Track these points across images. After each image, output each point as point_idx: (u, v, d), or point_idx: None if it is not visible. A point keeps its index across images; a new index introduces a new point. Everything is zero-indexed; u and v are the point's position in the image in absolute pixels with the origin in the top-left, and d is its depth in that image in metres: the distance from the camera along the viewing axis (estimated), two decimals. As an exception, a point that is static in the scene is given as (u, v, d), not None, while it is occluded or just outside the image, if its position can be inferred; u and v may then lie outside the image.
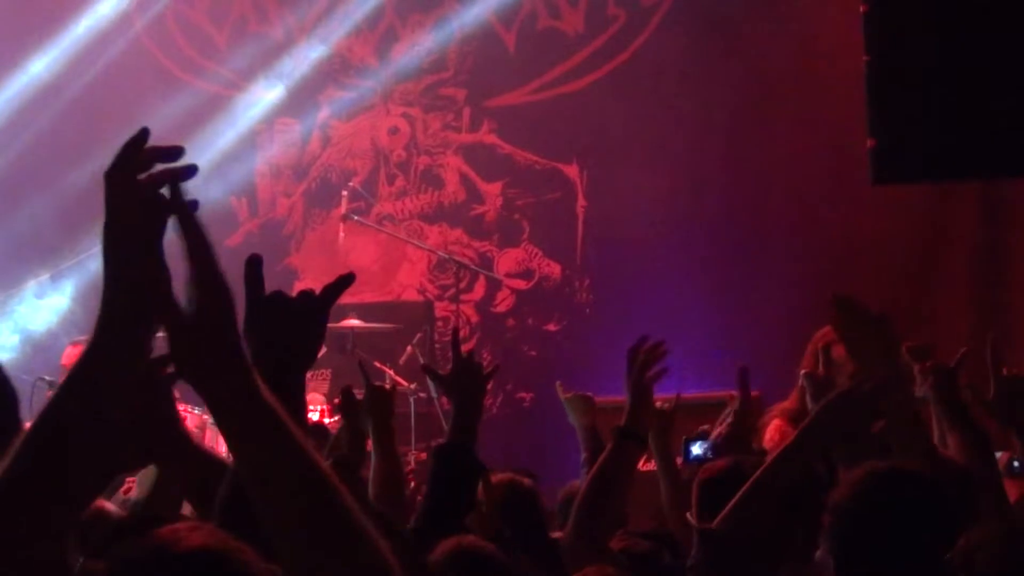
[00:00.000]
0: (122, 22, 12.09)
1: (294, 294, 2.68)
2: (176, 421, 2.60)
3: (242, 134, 12.16)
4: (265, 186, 12.31)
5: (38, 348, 11.00)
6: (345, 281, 2.69)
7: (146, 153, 1.94)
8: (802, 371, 4.18)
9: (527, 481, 5.08)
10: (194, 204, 1.94)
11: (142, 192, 1.93)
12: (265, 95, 12.28)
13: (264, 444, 1.88)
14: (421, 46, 12.25)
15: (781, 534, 3.71)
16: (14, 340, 11.10)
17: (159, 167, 1.95)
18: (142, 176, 1.94)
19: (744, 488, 3.65)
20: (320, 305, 2.65)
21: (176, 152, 1.96)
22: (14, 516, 1.87)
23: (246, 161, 12.24)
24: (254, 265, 2.54)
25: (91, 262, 10.67)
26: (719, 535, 3.68)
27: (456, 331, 4.84)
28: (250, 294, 2.57)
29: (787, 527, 3.72)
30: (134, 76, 11.99)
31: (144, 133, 1.96)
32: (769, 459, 3.80)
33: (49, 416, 1.93)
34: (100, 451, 1.97)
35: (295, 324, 2.61)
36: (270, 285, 2.58)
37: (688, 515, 4.06)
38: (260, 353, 2.52)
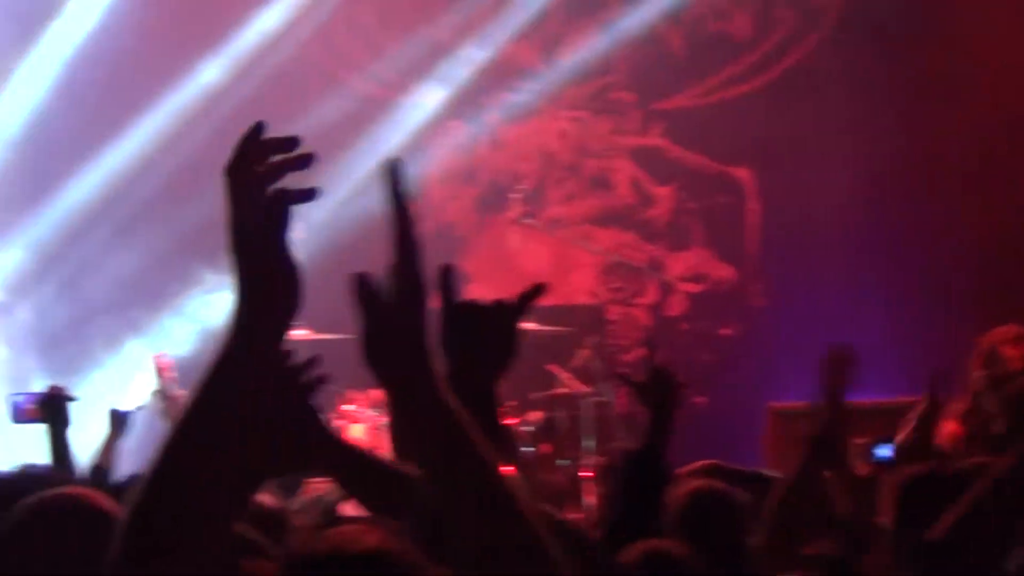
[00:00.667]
0: (290, 27, 12.13)
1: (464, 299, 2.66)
2: (324, 426, 2.56)
3: (409, 137, 12.13)
4: (434, 190, 12.34)
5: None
6: (538, 290, 2.71)
7: (263, 146, 1.93)
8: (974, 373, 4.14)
9: (720, 485, 5.00)
10: (313, 193, 1.93)
11: (263, 185, 1.91)
12: (432, 98, 12.27)
13: (442, 445, 1.90)
14: (588, 49, 12.20)
15: (1009, 534, 3.62)
16: (191, 334, 11.25)
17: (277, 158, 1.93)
18: (261, 168, 1.92)
19: (973, 495, 3.56)
20: (514, 313, 2.66)
21: (292, 143, 1.94)
22: (166, 515, 1.87)
23: (414, 165, 12.24)
24: (448, 272, 2.53)
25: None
26: (944, 544, 3.59)
27: (651, 339, 4.87)
28: (444, 301, 2.59)
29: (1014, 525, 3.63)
30: (301, 80, 12.05)
31: (259, 127, 1.94)
32: (997, 466, 3.69)
33: (188, 418, 1.92)
34: (242, 453, 1.94)
35: (490, 332, 2.63)
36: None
37: (879, 520, 4.02)
38: (455, 359, 2.58)
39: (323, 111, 11.65)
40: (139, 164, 11.87)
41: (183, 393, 7.56)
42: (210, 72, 11.95)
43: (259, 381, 1.93)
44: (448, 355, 2.60)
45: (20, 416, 5.73)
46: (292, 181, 1.93)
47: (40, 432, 5.58)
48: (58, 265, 11.82)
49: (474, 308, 2.62)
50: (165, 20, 11.78)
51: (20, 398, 5.78)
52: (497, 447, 2.58)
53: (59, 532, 2.67)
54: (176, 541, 1.84)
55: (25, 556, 2.68)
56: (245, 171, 1.90)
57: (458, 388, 2.39)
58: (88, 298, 11.65)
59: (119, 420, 6.41)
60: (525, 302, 2.66)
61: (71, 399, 5.38)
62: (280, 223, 1.91)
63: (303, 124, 11.27)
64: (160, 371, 7.81)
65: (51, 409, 5.31)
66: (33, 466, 4.16)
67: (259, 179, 1.91)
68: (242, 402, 1.91)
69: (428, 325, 1.97)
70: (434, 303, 2.48)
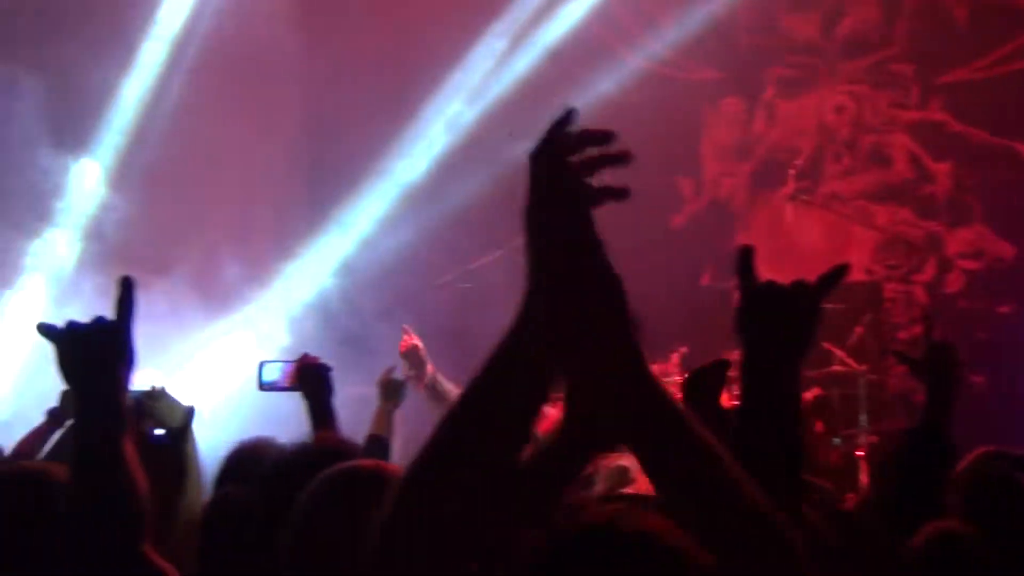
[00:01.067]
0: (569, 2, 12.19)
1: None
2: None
3: (686, 114, 12.15)
4: (710, 166, 12.37)
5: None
6: (840, 271, 2.61)
7: (578, 137, 1.85)
8: None
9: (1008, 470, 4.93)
10: (624, 192, 1.85)
11: (570, 175, 1.84)
12: (708, 75, 12.29)
13: (660, 428, 1.87)
14: (868, 22, 12.04)
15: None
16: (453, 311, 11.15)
17: (590, 151, 1.86)
18: (573, 159, 1.85)
19: None
20: (815, 295, 2.57)
21: (608, 137, 1.86)
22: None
23: (691, 141, 12.29)
24: (747, 254, 2.53)
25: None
26: None
27: (929, 314, 4.78)
28: (744, 284, 2.54)
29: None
30: (581, 57, 12.05)
31: (570, 114, 1.85)
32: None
33: (472, 394, 1.91)
34: (521, 431, 1.93)
35: (791, 314, 2.54)
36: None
37: None
38: (757, 343, 2.54)
39: (601, 88, 11.74)
40: (416, 143, 12.10)
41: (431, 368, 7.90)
42: (493, 47, 12.08)
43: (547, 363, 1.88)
44: (746, 339, 2.55)
45: (272, 384, 5.70)
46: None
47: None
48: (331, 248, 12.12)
49: (774, 290, 2.54)
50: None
51: (273, 367, 5.74)
52: (801, 434, 2.58)
53: (364, 503, 2.55)
54: (455, 509, 1.85)
55: (331, 528, 2.67)
56: (552, 159, 1.84)
57: (756, 373, 2.54)
58: (361, 274, 11.89)
59: (394, 389, 6.62)
60: (827, 284, 2.55)
61: (327, 367, 5.31)
62: (581, 212, 1.85)
63: (581, 101, 11.51)
64: (409, 349, 8.10)
65: (310, 378, 5.26)
66: (324, 437, 4.22)
67: (570, 170, 1.85)
68: (525, 382, 1.88)
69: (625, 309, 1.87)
70: (735, 285, 2.57)
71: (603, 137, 1.85)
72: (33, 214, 11.24)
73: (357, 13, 12.01)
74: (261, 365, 5.75)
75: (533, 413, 1.91)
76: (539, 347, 1.87)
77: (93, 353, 2.80)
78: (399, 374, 6.81)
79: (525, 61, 12.05)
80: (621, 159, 1.85)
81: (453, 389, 8.41)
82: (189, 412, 3.70)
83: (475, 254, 10.97)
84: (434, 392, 7.72)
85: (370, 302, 11.23)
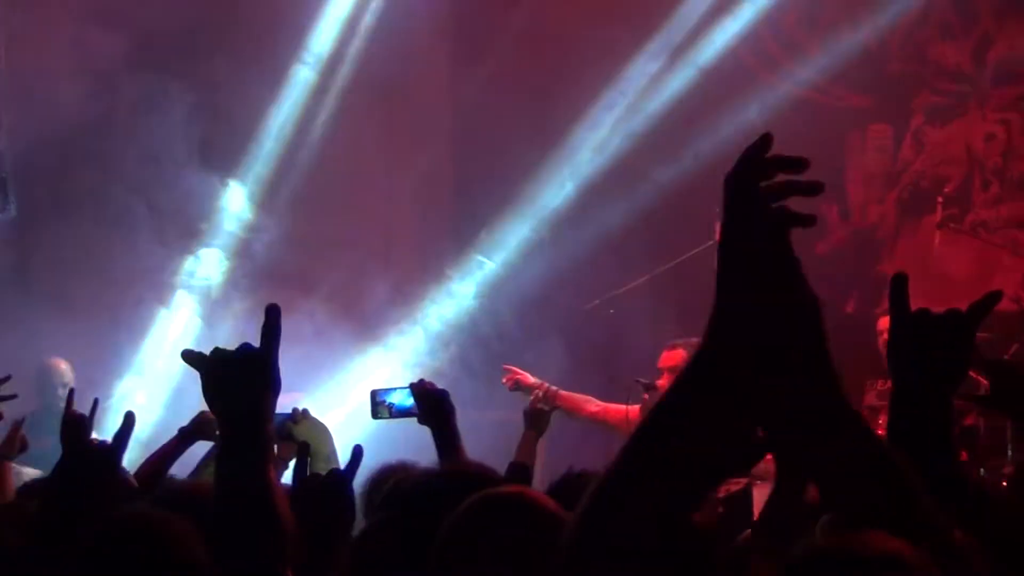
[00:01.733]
0: (713, 27, 12.11)
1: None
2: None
3: (832, 140, 12.02)
4: (856, 192, 12.24)
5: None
6: (993, 299, 2.63)
7: (770, 161, 1.85)
8: None
9: None
10: (811, 219, 1.86)
11: (763, 201, 1.85)
12: (855, 101, 12.17)
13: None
14: (1018, 49, 11.80)
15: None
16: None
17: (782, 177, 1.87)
18: (764, 184, 1.86)
19: None
20: (968, 322, 2.58)
21: (802, 164, 1.86)
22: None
23: (836, 167, 12.13)
24: (900, 282, 2.54)
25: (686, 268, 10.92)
26: None
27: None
28: (897, 312, 2.56)
29: None
30: (725, 81, 12.02)
31: (767, 140, 1.86)
32: None
33: (658, 419, 1.88)
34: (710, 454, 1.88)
35: (944, 343, 2.55)
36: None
37: None
38: (909, 372, 2.56)
39: (745, 112, 11.71)
40: (565, 165, 12.13)
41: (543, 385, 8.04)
42: (642, 71, 12.06)
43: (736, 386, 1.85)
44: (898, 368, 2.55)
45: (387, 412, 5.73)
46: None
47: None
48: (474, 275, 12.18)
49: (927, 319, 2.53)
50: (606, 15, 11.89)
51: (387, 395, 5.74)
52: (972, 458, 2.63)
53: (508, 530, 2.64)
54: (632, 542, 1.82)
55: (477, 554, 2.66)
56: (747, 183, 1.85)
57: (908, 403, 2.53)
58: (507, 297, 11.96)
59: (540, 417, 6.76)
60: (980, 311, 2.57)
61: (445, 392, 5.28)
62: (775, 239, 1.85)
63: (728, 125, 11.49)
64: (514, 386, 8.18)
65: (430, 404, 5.22)
66: (466, 463, 4.24)
67: (762, 195, 1.86)
68: (717, 409, 1.85)
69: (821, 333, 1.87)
70: (886, 315, 2.53)
71: (796, 163, 1.86)
72: (181, 232, 11.45)
73: (506, 36, 12.08)
74: (373, 394, 5.77)
75: (727, 443, 1.88)
76: (733, 370, 1.84)
77: (238, 381, 2.84)
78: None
79: (670, 88, 12.03)
80: (812, 188, 1.86)
81: (579, 396, 8.62)
82: (357, 452, 3.67)
83: (621, 279, 10.97)
84: (554, 405, 7.94)
85: (516, 326, 11.37)
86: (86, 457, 3.52)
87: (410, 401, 5.40)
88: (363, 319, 11.52)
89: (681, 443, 1.84)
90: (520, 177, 12.10)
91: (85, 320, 10.52)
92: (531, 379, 8.49)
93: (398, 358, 11.54)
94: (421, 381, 5.38)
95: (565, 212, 12.09)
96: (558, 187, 12.11)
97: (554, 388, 8.43)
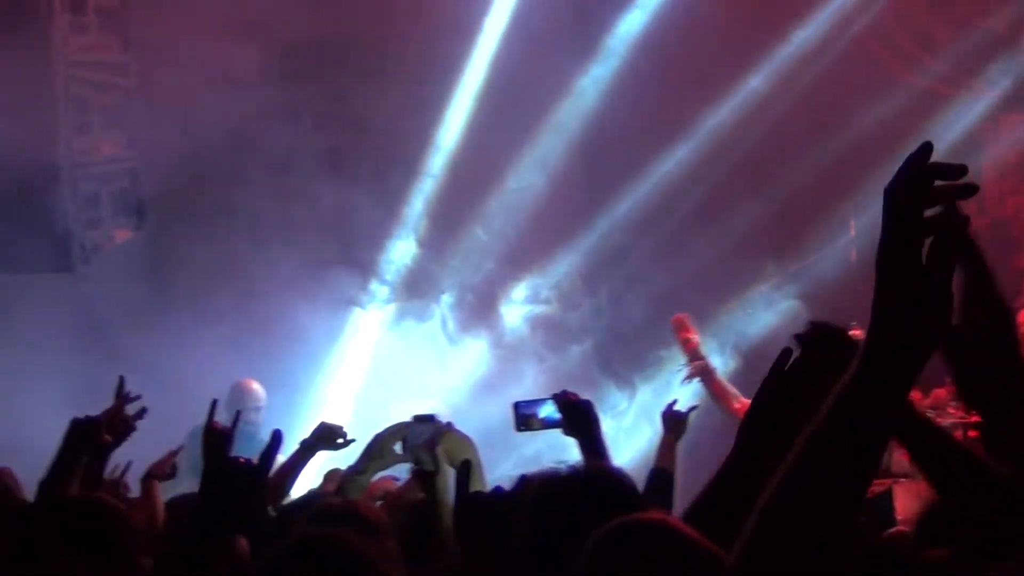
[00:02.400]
0: (841, 24, 12.01)
1: None
2: None
3: (966, 131, 11.83)
4: (992, 184, 12.02)
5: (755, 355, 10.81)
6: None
7: (932, 170, 1.85)
8: None
9: None
10: (967, 219, 1.87)
11: (923, 209, 1.85)
12: (989, 92, 11.94)
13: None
14: None
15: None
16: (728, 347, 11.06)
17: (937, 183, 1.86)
18: (925, 193, 1.85)
19: None
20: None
21: (960, 171, 1.86)
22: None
23: (971, 159, 11.85)
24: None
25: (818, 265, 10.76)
26: None
27: None
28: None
29: None
30: (852, 76, 11.86)
31: (928, 147, 1.86)
32: None
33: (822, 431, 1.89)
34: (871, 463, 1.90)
35: None
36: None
37: None
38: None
39: (877, 107, 11.56)
40: (686, 174, 12.04)
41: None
42: (770, 65, 11.99)
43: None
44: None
45: (530, 424, 5.69)
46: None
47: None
48: (604, 278, 12.23)
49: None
50: (724, 16, 11.81)
51: (530, 407, 5.72)
52: None
53: (647, 559, 2.67)
54: (801, 548, 1.85)
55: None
56: (909, 194, 1.85)
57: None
58: (628, 313, 11.90)
59: (677, 421, 6.69)
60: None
61: (587, 403, 5.26)
62: (948, 249, 1.86)
63: (858, 120, 11.37)
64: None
65: (575, 414, 5.21)
66: (599, 466, 4.19)
67: (919, 202, 1.86)
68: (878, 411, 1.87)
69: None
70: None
71: (957, 171, 1.86)
72: (319, 242, 11.48)
73: (631, 38, 12.02)
74: (517, 406, 5.73)
75: (883, 446, 1.90)
76: (896, 371, 1.87)
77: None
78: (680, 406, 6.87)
79: (799, 83, 11.90)
80: (968, 191, 1.86)
81: (730, 387, 8.57)
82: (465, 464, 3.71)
83: (753, 278, 10.99)
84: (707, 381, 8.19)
85: (649, 327, 11.30)
86: (229, 473, 3.56)
87: (555, 413, 5.37)
88: (496, 325, 11.53)
89: (848, 454, 1.86)
90: (649, 176, 12.04)
91: (227, 331, 10.65)
92: (697, 342, 8.52)
93: (534, 366, 11.51)
94: (565, 392, 5.35)
95: (695, 211, 12.01)
96: (688, 186, 12.04)
97: (712, 366, 8.51)
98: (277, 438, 3.71)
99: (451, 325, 11.27)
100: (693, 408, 7.29)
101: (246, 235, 11.25)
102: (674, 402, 6.86)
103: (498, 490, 3.70)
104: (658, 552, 2.65)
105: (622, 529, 2.72)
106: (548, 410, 5.51)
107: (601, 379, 11.14)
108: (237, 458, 3.65)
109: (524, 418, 5.69)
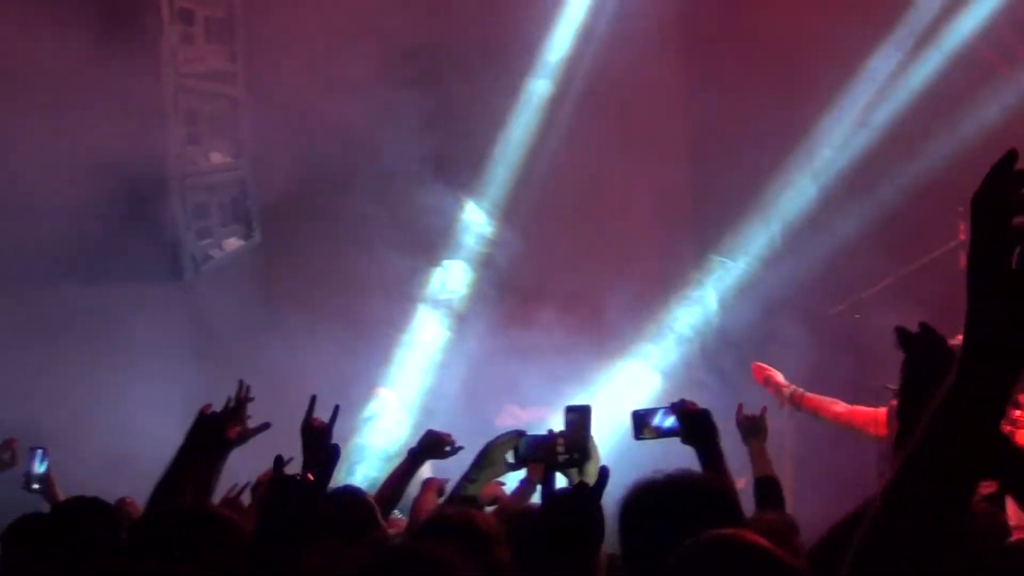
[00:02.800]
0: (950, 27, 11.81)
1: None
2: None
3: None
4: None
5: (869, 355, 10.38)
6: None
7: (1016, 176, 1.84)
8: None
9: None
10: None
11: (1006, 216, 1.84)
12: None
13: None
14: None
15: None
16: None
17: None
18: (1008, 198, 1.84)
19: None
20: None
21: None
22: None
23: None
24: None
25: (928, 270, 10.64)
26: None
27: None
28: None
29: None
30: (963, 77, 11.68)
31: (1012, 155, 1.86)
32: None
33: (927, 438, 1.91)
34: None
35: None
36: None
37: None
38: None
39: (987, 109, 11.43)
40: (805, 166, 11.98)
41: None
42: (881, 65, 11.87)
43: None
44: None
45: (649, 433, 5.74)
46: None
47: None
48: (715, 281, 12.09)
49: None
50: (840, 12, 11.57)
51: (648, 416, 5.77)
52: None
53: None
54: (911, 557, 1.88)
55: None
56: (994, 203, 1.84)
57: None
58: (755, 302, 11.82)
59: (753, 425, 6.67)
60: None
61: (705, 412, 5.38)
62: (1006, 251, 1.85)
63: (968, 122, 11.27)
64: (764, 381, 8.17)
65: (695, 424, 5.32)
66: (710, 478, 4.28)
67: (1006, 210, 1.84)
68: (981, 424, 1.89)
69: None
70: None
71: None
72: (423, 246, 11.57)
73: (742, 42, 11.94)
74: (635, 416, 5.76)
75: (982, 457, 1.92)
76: (993, 381, 1.88)
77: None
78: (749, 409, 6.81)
79: (909, 85, 11.81)
80: None
81: (824, 398, 8.52)
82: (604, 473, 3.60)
83: (865, 282, 10.83)
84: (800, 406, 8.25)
85: (761, 330, 11.27)
86: (291, 486, 3.68)
87: (673, 422, 5.47)
88: (604, 329, 11.44)
89: (959, 459, 1.89)
90: (759, 180, 12.02)
91: (338, 334, 10.65)
92: (780, 378, 8.57)
93: (640, 369, 11.50)
94: (683, 401, 5.42)
95: (806, 214, 11.95)
96: (799, 189, 11.98)
97: (800, 390, 8.52)
98: (334, 453, 4.01)
99: (556, 332, 11.18)
100: (800, 409, 7.15)
101: (353, 239, 11.24)
102: (740, 407, 6.76)
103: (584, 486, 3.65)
104: (741, 569, 2.72)
105: (707, 544, 2.80)
106: (667, 419, 5.57)
107: (708, 380, 11.02)
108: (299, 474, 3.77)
109: (642, 426, 5.72)
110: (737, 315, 11.76)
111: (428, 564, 3.13)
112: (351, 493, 5.15)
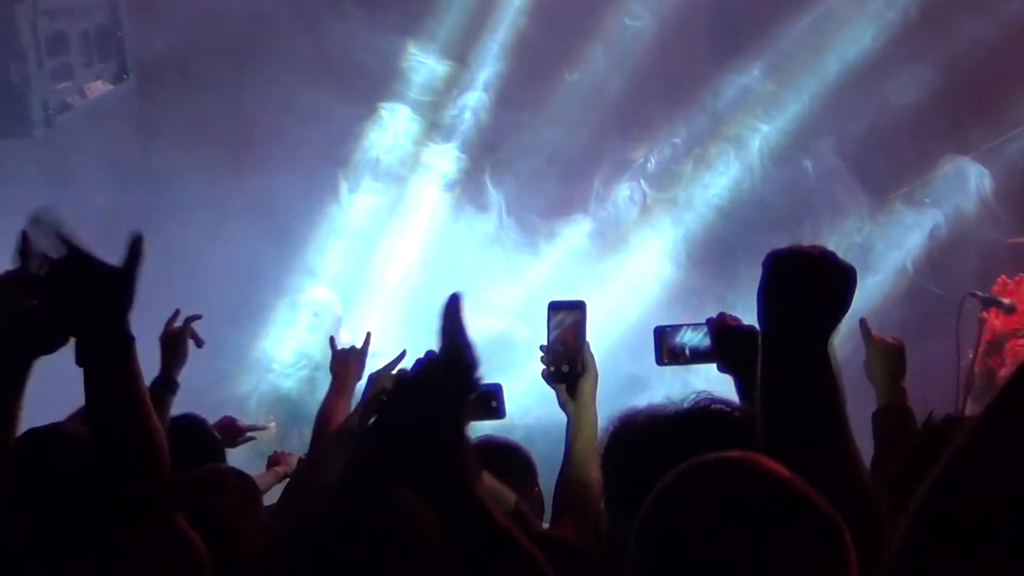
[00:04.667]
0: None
1: None
2: None
3: None
4: None
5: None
6: None
7: None
8: None
9: None
10: None
11: None
12: None
13: None
14: None
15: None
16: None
17: None
18: None
19: None
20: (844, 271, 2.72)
21: None
22: None
23: None
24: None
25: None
26: None
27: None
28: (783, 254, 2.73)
29: None
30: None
31: None
32: None
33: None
34: None
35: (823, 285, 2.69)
36: None
37: None
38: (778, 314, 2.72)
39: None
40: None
41: None
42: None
43: None
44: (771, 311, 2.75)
45: (677, 357, 5.01)
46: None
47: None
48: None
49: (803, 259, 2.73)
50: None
51: (677, 333, 4.95)
52: None
53: (718, 499, 2.31)
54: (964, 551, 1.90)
55: (680, 524, 2.29)
56: None
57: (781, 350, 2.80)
58: None
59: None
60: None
61: (750, 329, 4.76)
62: None
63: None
64: None
65: (734, 346, 4.63)
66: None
67: None
68: None
69: None
70: None
71: None
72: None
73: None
74: (659, 333, 4.92)
75: None
76: None
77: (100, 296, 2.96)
78: None
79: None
80: None
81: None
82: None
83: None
84: None
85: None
86: None
87: (707, 341, 4.74)
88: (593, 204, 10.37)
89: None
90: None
91: (238, 211, 9.76)
92: None
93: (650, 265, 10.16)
94: (723, 315, 4.76)
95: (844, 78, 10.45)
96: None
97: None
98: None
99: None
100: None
101: (264, 84, 10.25)
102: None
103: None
104: (738, 492, 2.27)
105: (695, 468, 2.37)
106: (700, 338, 4.86)
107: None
108: None
109: (669, 348, 4.95)
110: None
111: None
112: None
